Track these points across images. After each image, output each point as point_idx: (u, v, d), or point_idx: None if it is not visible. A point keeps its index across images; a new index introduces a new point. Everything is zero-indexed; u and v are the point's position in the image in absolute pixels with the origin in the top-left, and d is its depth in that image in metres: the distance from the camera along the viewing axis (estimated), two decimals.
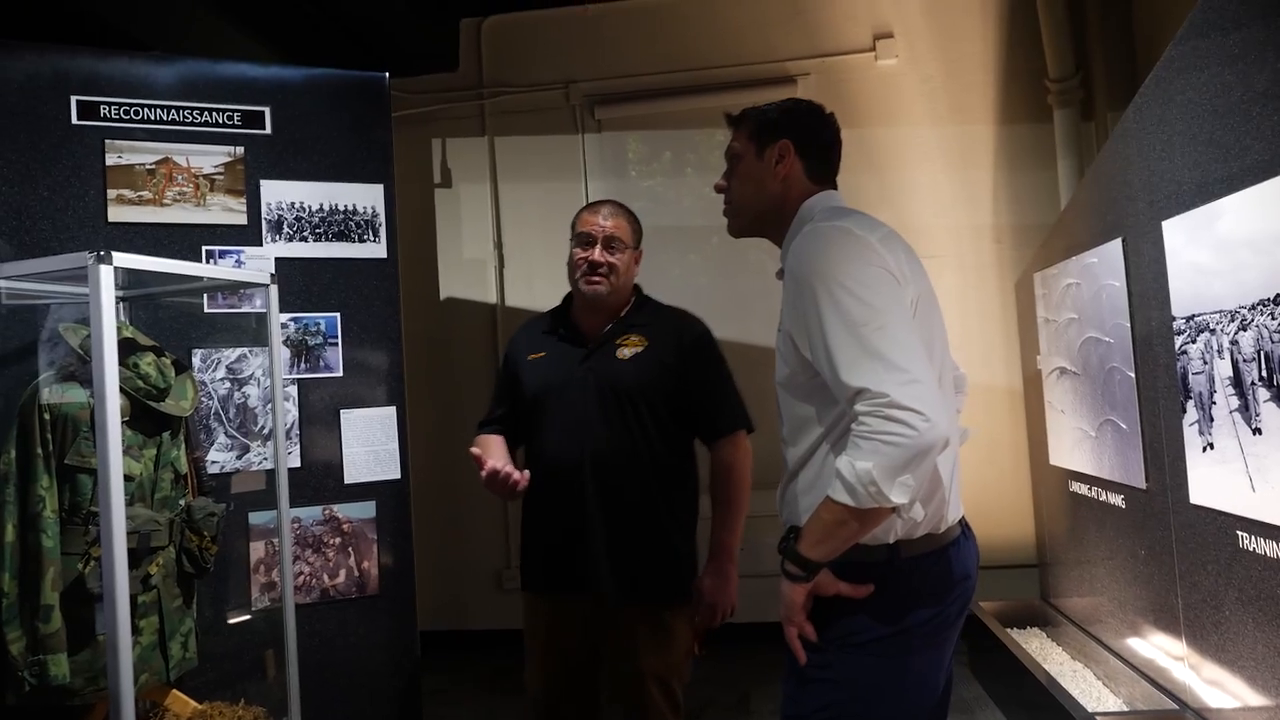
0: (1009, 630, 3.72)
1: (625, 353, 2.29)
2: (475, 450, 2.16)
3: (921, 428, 1.31)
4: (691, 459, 2.37)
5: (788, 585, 1.49)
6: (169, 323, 2.85)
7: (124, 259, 2.02)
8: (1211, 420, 2.19)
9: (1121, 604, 3.00)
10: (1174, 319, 2.36)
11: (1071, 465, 3.40)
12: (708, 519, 2.33)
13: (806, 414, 1.56)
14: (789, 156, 1.68)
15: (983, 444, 4.25)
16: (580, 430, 2.26)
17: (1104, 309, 2.91)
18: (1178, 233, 2.33)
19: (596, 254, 2.29)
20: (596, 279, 2.29)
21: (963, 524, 1.64)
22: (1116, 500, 2.94)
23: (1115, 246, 2.78)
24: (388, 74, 3.28)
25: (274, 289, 2.61)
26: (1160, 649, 2.71)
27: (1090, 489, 3.21)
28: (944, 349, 1.61)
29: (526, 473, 2.13)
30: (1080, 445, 3.25)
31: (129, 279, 2.54)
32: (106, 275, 1.95)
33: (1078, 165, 4.23)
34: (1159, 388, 2.51)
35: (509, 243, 4.74)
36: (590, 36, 4.69)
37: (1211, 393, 2.19)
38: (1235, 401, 2.07)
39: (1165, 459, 2.51)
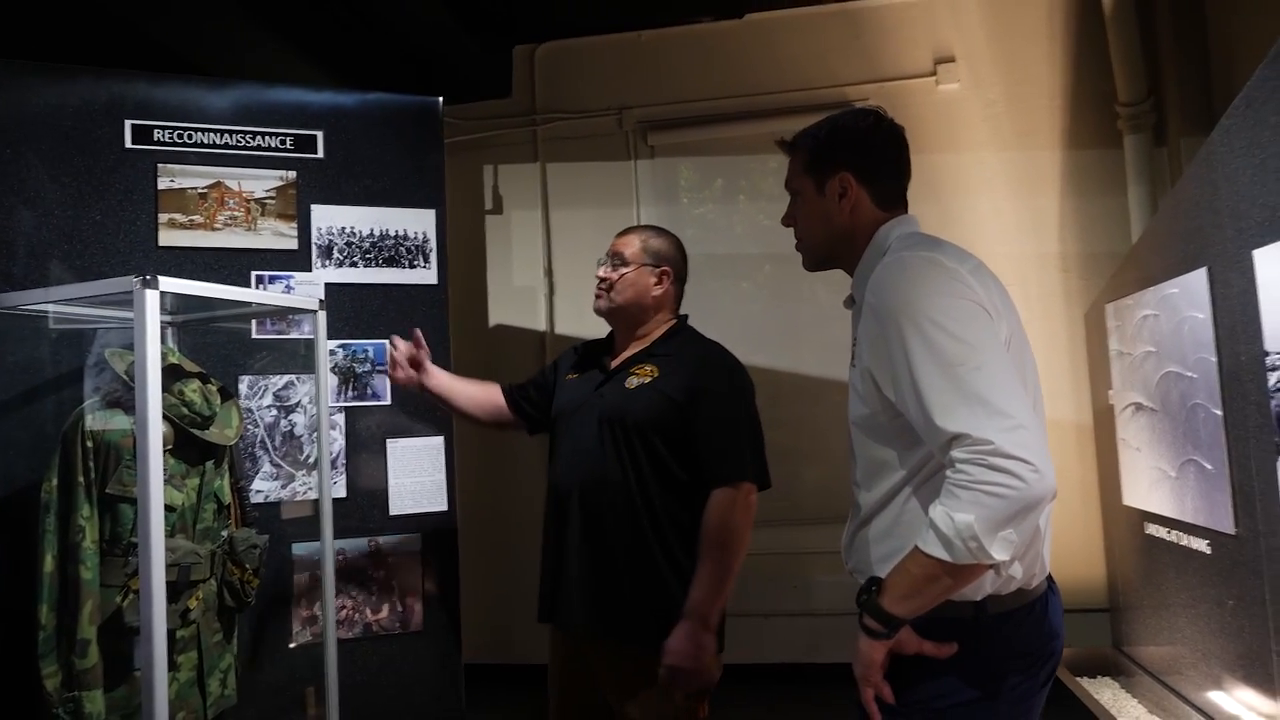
0: (1079, 679, 3.52)
1: (632, 382, 2.20)
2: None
3: (1030, 479, 1.19)
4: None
5: (866, 642, 1.36)
6: (217, 348, 2.83)
7: (170, 284, 1.98)
8: None
9: (1205, 656, 2.81)
10: (1267, 354, 2.19)
11: (1148, 506, 3.21)
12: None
13: (885, 457, 1.44)
14: (851, 189, 1.57)
15: None
16: (577, 457, 2.19)
17: (1185, 342, 2.74)
18: (1272, 262, 2.18)
19: (601, 270, 2.31)
20: (597, 294, 2.32)
21: (1048, 577, 1.52)
22: (1200, 545, 2.76)
23: (1199, 276, 2.62)
24: (441, 98, 3.24)
25: (322, 314, 2.56)
26: (1252, 706, 2.51)
27: (1170, 532, 3.02)
28: (1037, 390, 1.49)
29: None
30: (1159, 486, 3.07)
31: (178, 304, 2.51)
32: (152, 300, 1.91)
33: (1150, 192, 4.04)
34: (1249, 427, 2.34)
35: (559, 270, 4.68)
36: (645, 62, 4.63)
37: None
38: None
39: (1257, 503, 2.33)
